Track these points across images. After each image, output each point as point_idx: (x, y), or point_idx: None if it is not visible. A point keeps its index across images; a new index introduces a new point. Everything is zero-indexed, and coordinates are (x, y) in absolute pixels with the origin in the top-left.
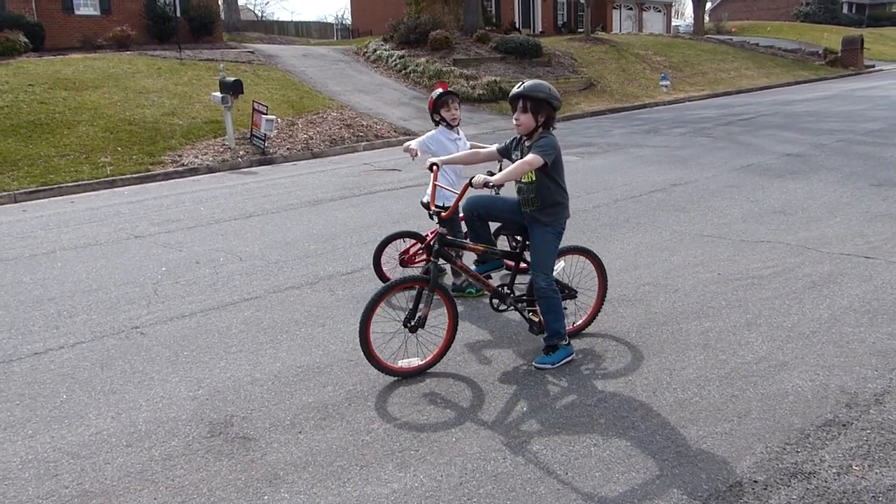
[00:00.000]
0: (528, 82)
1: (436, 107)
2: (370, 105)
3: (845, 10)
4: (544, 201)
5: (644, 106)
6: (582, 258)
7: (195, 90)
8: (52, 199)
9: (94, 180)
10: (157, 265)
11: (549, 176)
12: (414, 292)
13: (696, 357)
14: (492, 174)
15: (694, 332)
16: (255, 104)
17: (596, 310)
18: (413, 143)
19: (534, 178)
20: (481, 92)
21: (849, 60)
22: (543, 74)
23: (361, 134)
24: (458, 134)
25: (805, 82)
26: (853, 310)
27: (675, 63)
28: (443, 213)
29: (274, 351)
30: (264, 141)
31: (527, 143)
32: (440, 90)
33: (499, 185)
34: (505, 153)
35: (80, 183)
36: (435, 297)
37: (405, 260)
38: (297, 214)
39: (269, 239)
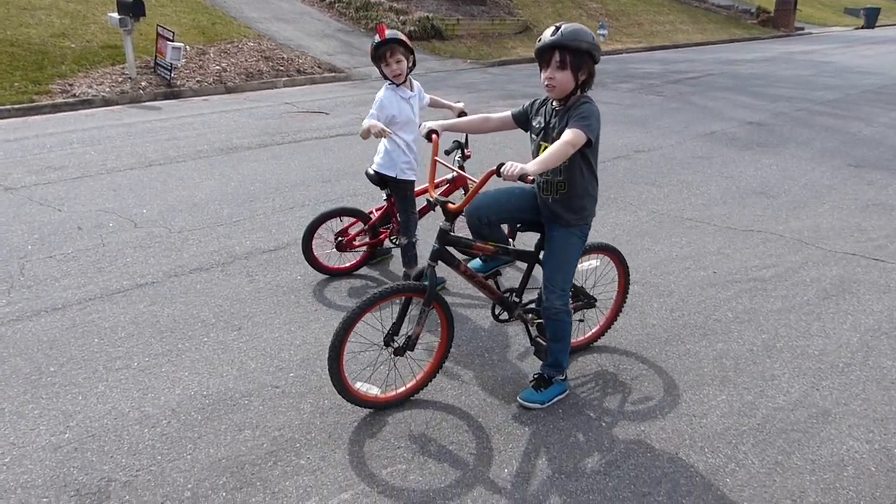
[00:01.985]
0: (565, 26)
1: (374, 59)
2: (291, 36)
3: None
4: (573, 189)
5: None
6: (605, 258)
7: (91, 9)
8: None
9: None
10: (29, 231)
11: (585, 157)
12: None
13: (717, 397)
14: (461, 146)
15: (705, 356)
16: (160, 28)
17: (611, 320)
18: (369, 123)
19: None
20: (412, 28)
21: (781, 21)
22: (478, 14)
23: (282, 68)
24: (411, 90)
25: (739, 41)
26: (884, 333)
27: (612, 11)
28: (450, 206)
29: (172, 368)
30: (170, 71)
31: (557, 108)
32: (377, 38)
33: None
34: (521, 120)
35: None
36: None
37: (343, 243)
38: (207, 165)
39: (172, 198)
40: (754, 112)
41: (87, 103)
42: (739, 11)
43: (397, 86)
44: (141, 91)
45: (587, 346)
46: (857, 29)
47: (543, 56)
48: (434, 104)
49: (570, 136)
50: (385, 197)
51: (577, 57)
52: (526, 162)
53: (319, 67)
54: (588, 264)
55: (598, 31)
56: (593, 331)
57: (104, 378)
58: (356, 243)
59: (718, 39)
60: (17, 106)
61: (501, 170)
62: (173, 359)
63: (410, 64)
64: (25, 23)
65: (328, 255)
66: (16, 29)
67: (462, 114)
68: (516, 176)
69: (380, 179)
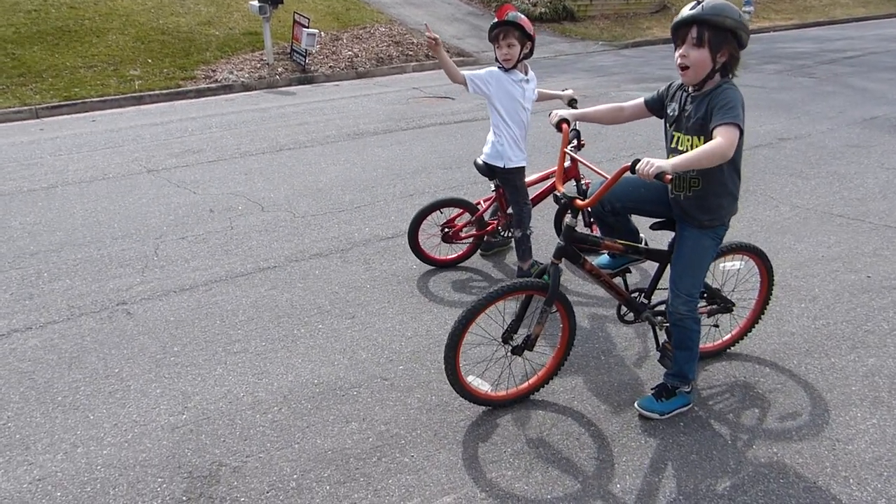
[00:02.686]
0: (708, 1)
1: (490, 40)
2: (421, 20)
3: None
4: (709, 186)
5: None
6: (749, 260)
7: None
8: (74, 115)
9: (121, 95)
10: (165, 212)
11: None
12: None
13: (867, 420)
14: (576, 135)
15: (853, 372)
16: (297, 16)
17: (747, 328)
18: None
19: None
20: (543, 10)
21: None
22: None
23: (411, 53)
24: (524, 74)
25: None
26: None
27: None
28: (578, 201)
29: (287, 354)
30: (305, 57)
31: (692, 94)
32: (496, 20)
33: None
34: (655, 107)
35: (105, 98)
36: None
37: (450, 234)
38: (334, 150)
39: (299, 182)
40: None
41: (227, 88)
42: None
43: (506, 70)
44: (277, 76)
45: (718, 354)
46: None
47: (679, 32)
48: (541, 97)
49: (723, 138)
50: (493, 188)
51: (717, 35)
52: (662, 154)
53: (448, 51)
54: (731, 265)
55: (743, 8)
56: (725, 338)
57: (223, 361)
58: (462, 235)
59: (885, 13)
60: (165, 91)
61: (637, 167)
62: (288, 344)
63: (527, 51)
64: (176, 12)
65: (437, 247)
66: (167, 18)
67: (572, 101)
68: (652, 174)
69: (488, 170)
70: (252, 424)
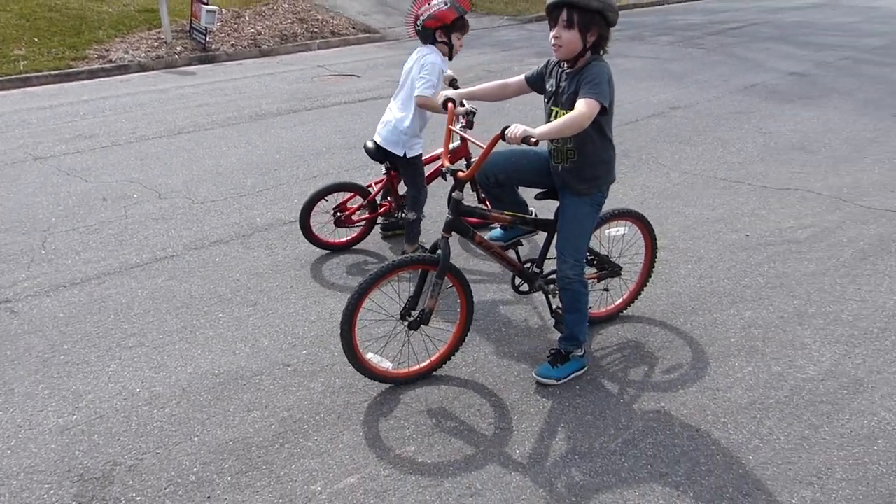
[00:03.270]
0: None
1: (450, 27)
2: None
3: None
4: (584, 157)
5: (621, 7)
6: (629, 223)
7: None
8: None
9: (4, 77)
10: (54, 202)
11: (596, 123)
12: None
13: (743, 368)
14: (465, 120)
15: (733, 325)
16: None
17: (637, 290)
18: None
19: None
20: None
21: None
22: None
23: (316, 30)
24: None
25: None
26: None
27: None
28: (460, 174)
29: (186, 346)
30: (205, 35)
31: (566, 71)
32: (460, 7)
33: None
34: (536, 84)
35: None
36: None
37: (342, 218)
38: (235, 132)
39: (198, 167)
40: (797, 62)
41: (123, 69)
42: None
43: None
44: (176, 56)
45: (612, 318)
46: None
47: (552, 14)
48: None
49: (584, 107)
50: (385, 170)
51: (586, 16)
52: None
53: (354, 28)
54: (616, 231)
55: None
56: (617, 302)
57: (117, 356)
58: (355, 218)
59: None
60: (54, 72)
61: (506, 132)
62: (187, 336)
63: None
64: None
65: (333, 232)
66: None
67: (453, 81)
68: (519, 138)
69: (381, 154)
70: (149, 420)
